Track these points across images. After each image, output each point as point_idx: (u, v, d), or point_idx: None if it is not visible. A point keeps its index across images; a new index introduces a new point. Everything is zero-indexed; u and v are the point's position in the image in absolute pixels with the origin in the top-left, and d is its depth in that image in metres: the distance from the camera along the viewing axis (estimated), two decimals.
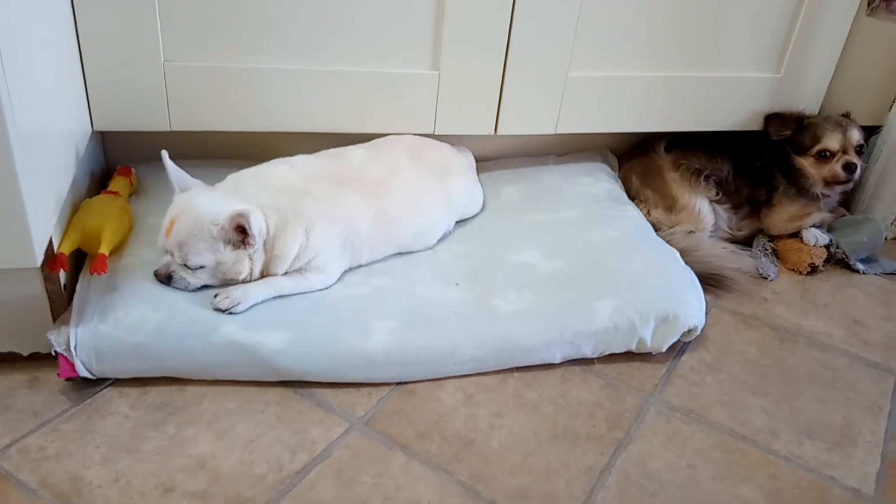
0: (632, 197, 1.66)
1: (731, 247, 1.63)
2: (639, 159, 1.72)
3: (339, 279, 1.29)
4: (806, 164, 1.63)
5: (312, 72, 1.38)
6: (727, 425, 1.18)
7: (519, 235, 1.46)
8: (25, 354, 1.15)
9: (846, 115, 1.66)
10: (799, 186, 1.63)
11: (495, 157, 1.71)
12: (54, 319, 1.13)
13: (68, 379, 1.11)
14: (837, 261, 1.64)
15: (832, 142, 1.60)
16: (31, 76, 1.01)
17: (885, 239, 1.72)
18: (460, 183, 1.47)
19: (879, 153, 1.74)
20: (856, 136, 1.61)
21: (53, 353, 1.09)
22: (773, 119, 1.65)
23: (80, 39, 1.25)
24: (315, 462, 1.05)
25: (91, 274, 1.13)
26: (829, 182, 1.62)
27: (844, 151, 1.60)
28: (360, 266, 1.34)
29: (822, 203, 1.66)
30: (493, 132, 1.54)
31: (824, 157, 1.61)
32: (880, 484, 1.11)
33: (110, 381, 1.14)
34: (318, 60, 1.37)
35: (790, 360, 1.35)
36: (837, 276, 1.63)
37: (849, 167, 1.59)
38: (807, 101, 1.68)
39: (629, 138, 1.78)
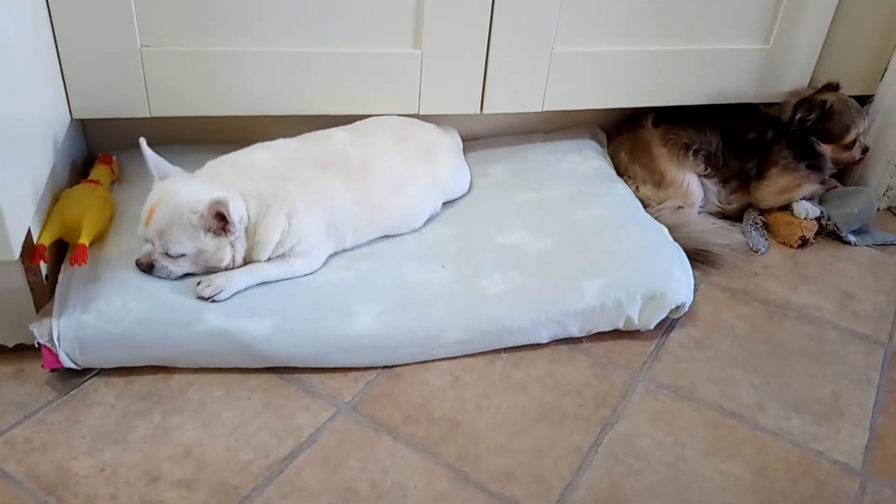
0: (621, 173, 1.64)
1: (720, 222, 1.62)
2: (627, 135, 1.70)
3: (323, 264, 1.29)
4: (828, 149, 1.63)
5: (291, 54, 1.36)
6: (715, 401, 1.18)
7: (506, 215, 1.45)
8: (10, 346, 1.15)
9: (835, 87, 1.64)
10: (809, 163, 1.61)
11: (482, 136, 1.70)
12: (37, 311, 1.13)
13: (53, 370, 1.11)
14: (829, 233, 1.63)
15: (860, 131, 1.62)
16: (1, 63, 1.00)
17: (877, 210, 1.70)
18: (446, 163, 1.46)
19: (871, 123, 1.72)
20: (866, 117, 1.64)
21: (37, 345, 1.09)
22: (801, 105, 1.60)
23: (54, 26, 1.23)
24: (302, 448, 1.05)
25: (71, 265, 1.12)
26: (844, 163, 1.65)
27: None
28: (344, 250, 1.33)
29: (816, 175, 1.64)
30: (479, 111, 1.52)
31: (850, 144, 1.63)
32: (868, 457, 1.11)
33: (96, 371, 1.14)
34: (296, 42, 1.35)
35: (779, 335, 1.34)
36: (829, 248, 1.61)
37: (865, 150, 1.63)
38: (796, 71, 1.65)
39: (617, 114, 1.76)
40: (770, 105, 1.68)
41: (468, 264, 1.32)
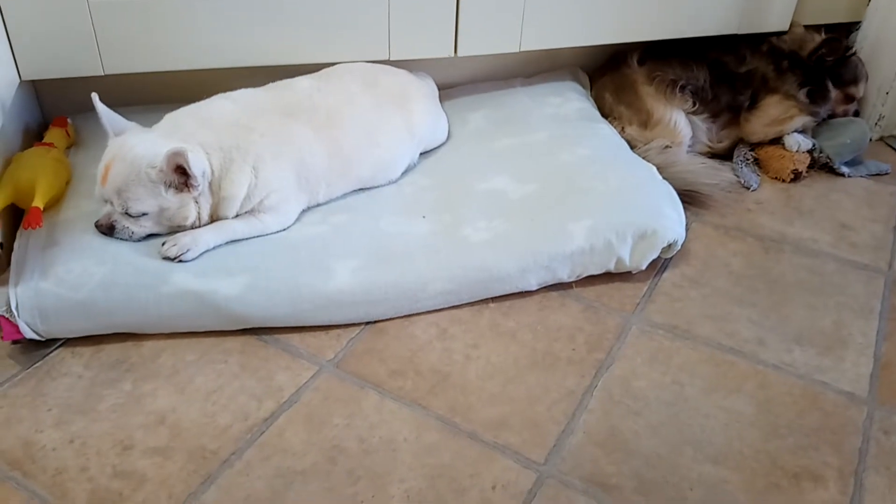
0: (605, 115, 1.58)
1: (710, 161, 1.56)
2: (611, 75, 1.63)
3: (296, 219, 1.22)
4: (835, 93, 1.60)
5: None
6: (713, 339, 1.14)
7: (488, 162, 1.39)
8: None
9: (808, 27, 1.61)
10: (810, 90, 1.57)
11: (459, 84, 1.62)
12: None
13: (15, 342, 1.05)
14: (821, 165, 1.57)
15: (863, 93, 1.63)
16: None
17: (870, 140, 1.65)
18: (421, 110, 1.39)
19: (860, 51, 1.66)
20: None
21: None
22: (828, 43, 1.56)
23: None
24: (283, 408, 1.00)
25: (25, 228, 1.05)
26: (836, 114, 1.64)
27: None
28: (318, 205, 1.26)
29: (812, 107, 1.58)
30: (453, 54, 1.45)
31: (852, 98, 1.63)
32: (874, 385, 1.06)
33: (62, 342, 1.08)
34: None
35: (776, 269, 1.30)
36: (822, 181, 1.56)
37: (856, 112, 1.65)
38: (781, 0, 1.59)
39: (600, 53, 1.69)
40: (780, 37, 1.61)
41: (450, 213, 1.26)
